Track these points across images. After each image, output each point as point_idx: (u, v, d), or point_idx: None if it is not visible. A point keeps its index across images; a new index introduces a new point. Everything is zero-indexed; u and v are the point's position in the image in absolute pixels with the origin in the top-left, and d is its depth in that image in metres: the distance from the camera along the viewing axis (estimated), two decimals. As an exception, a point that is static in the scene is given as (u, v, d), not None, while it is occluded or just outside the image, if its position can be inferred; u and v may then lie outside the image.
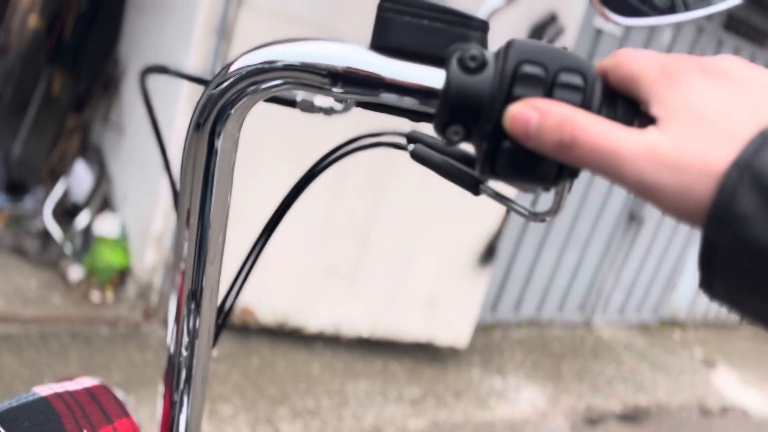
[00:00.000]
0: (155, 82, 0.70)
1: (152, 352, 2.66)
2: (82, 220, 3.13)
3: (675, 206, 0.31)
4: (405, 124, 0.66)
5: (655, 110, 0.34)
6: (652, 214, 4.42)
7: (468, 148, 0.41)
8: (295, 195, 0.64)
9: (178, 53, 2.63)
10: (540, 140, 0.34)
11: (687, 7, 0.61)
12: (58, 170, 3.50)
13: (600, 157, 0.33)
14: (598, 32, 3.50)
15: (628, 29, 3.55)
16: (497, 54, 0.37)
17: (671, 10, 0.61)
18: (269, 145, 2.52)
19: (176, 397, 0.55)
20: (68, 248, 3.09)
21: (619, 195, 4.16)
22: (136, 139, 3.11)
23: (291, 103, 0.67)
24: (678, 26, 4.01)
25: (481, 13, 0.58)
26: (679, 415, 3.62)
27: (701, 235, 0.30)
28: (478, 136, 0.37)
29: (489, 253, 3.16)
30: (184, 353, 0.54)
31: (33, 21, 3.48)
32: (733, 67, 0.34)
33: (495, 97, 0.36)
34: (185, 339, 0.53)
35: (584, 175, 3.84)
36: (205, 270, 0.50)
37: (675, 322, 5.16)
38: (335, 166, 0.65)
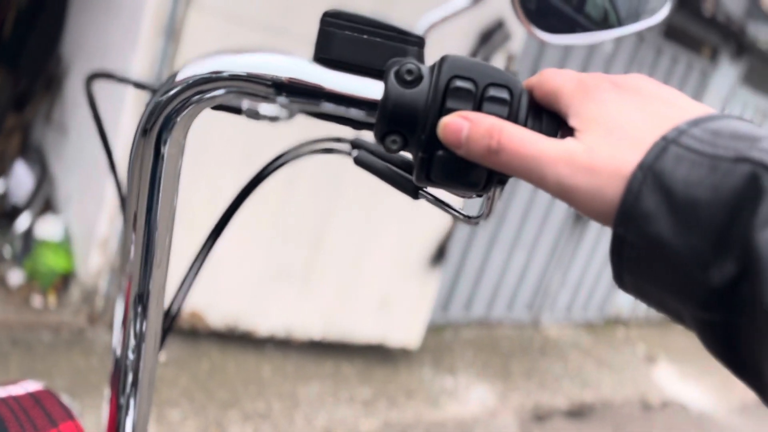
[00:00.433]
0: (101, 82, 0.69)
1: (97, 358, 2.60)
2: (22, 222, 3.02)
3: (590, 206, 0.34)
4: (350, 131, 0.68)
5: (572, 122, 0.37)
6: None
7: (409, 155, 0.43)
8: (242, 199, 0.65)
9: (124, 53, 2.58)
10: (470, 148, 0.37)
11: (614, 25, 0.63)
12: (-3, 171, 3.37)
13: (523, 162, 0.36)
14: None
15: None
16: (432, 68, 0.39)
17: (604, 26, 0.63)
18: (215, 147, 2.49)
19: (122, 401, 0.56)
20: (8, 252, 2.99)
21: (565, 197, 4.27)
22: (79, 139, 3.03)
23: (237, 110, 0.68)
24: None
25: (418, 29, 0.60)
26: (622, 410, 3.74)
27: (611, 232, 0.33)
28: (414, 145, 0.40)
29: (440, 254, 3.20)
30: (131, 357, 0.54)
31: (-30, 16, 3.35)
32: (641, 84, 0.37)
33: (429, 109, 0.39)
34: (132, 342, 0.54)
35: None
36: (152, 273, 0.51)
37: (619, 320, 5.32)
38: (285, 168, 0.66)
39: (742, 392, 4.54)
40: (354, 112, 0.41)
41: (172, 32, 2.41)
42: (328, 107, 0.41)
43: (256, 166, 0.63)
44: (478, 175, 0.39)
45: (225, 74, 0.41)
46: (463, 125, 0.37)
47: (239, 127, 2.47)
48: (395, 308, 3.19)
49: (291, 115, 0.67)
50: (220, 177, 2.41)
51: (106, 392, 0.57)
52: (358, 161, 0.57)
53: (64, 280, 2.89)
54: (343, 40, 0.40)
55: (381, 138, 0.40)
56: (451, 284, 3.94)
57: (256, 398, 2.69)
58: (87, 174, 2.88)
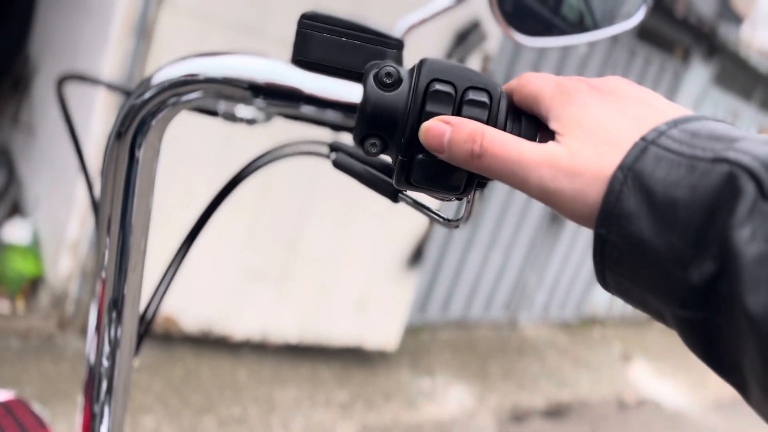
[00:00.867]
0: (71, 84, 0.67)
1: (68, 365, 2.54)
2: (-11, 226, 2.95)
3: (573, 209, 0.35)
4: (328, 134, 0.66)
5: (553, 125, 0.37)
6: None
7: (388, 158, 0.43)
8: (218, 202, 0.64)
9: (94, 53, 2.53)
10: (452, 152, 0.37)
11: (590, 28, 0.63)
12: (-37, 173, 3.29)
13: (506, 166, 0.36)
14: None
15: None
16: (411, 71, 0.39)
17: (577, 30, 0.63)
18: (189, 149, 2.45)
19: (96, 409, 0.55)
20: (-26, 256, 2.91)
21: (542, 197, 4.30)
22: (48, 141, 2.96)
23: (213, 113, 0.67)
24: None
25: (396, 32, 0.60)
26: (598, 410, 3.77)
27: (593, 232, 0.34)
28: (394, 148, 0.40)
29: (417, 255, 3.19)
30: (105, 363, 0.53)
31: (-67, 14, 3.26)
32: (618, 86, 0.38)
33: (409, 112, 0.39)
34: (106, 348, 0.53)
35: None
36: (126, 278, 0.50)
37: (595, 320, 5.37)
38: (258, 172, 0.65)
39: (717, 390, 4.61)
40: (332, 115, 0.41)
41: (143, 32, 2.37)
42: (306, 110, 0.41)
43: (231, 169, 0.62)
44: (459, 179, 0.39)
45: (201, 77, 0.41)
46: (445, 130, 0.37)
47: (214, 130, 2.44)
48: (372, 310, 3.18)
49: (268, 118, 0.66)
50: (194, 179, 2.38)
51: (80, 400, 0.56)
52: (337, 164, 0.57)
53: (33, 284, 2.82)
54: (321, 43, 0.40)
55: (360, 141, 0.40)
56: (428, 285, 3.94)
57: (231, 403, 2.65)
58: (56, 176, 2.81)
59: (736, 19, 5.17)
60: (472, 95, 0.38)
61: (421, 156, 0.39)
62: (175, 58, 0.42)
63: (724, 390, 4.67)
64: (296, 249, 2.90)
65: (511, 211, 4.18)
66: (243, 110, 0.66)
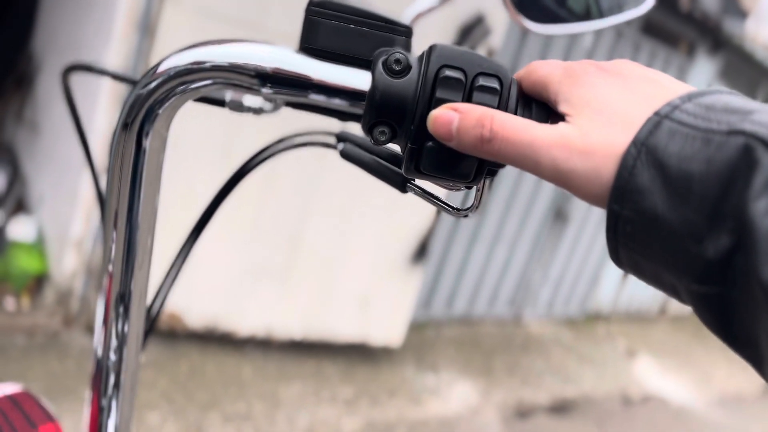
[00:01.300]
0: (74, 79, 0.67)
1: (73, 361, 2.55)
2: (-6, 223, 2.95)
3: (586, 189, 0.34)
4: (333, 124, 0.66)
5: (562, 108, 0.37)
6: (577, 211, 4.57)
7: (396, 147, 0.43)
8: (223, 195, 0.64)
9: (98, 49, 2.53)
10: (461, 139, 0.37)
11: (600, 15, 0.63)
12: (-33, 171, 3.29)
13: (517, 149, 0.36)
14: (525, 34, 3.59)
15: (552, 32, 3.65)
16: (420, 58, 0.39)
17: (587, 17, 0.63)
18: (191, 143, 2.45)
19: (104, 403, 0.55)
20: (-21, 254, 2.92)
21: (546, 193, 4.29)
22: (52, 138, 2.96)
23: (220, 102, 0.67)
24: (598, 31, 4.16)
25: (405, 18, 0.59)
26: (603, 406, 3.76)
27: (607, 208, 0.34)
28: (403, 136, 0.39)
29: (421, 251, 3.19)
30: (113, 358, 0.53)
31: (-63, 12, 3.26)
32: (626, 67, 0.38)
33: (419, 99, 0.38)
34: (113, 343, 0.53)
35: (512, 174, 3.89)
36: (133, 272, 0.50)
37: (599, 316, 5.36)
38: (268, 162, 0.65)
39: (722, 386, 4.60)
40: (340, 103, 0.41)
41: (146, 27, 2.37)
42: (314, 98, 0.41)
43: (234, 161, 0.62)
44: (469, 166, 0.39)
45: (208, 65, 0.40)
46: (453, 117, 0.37)
47: (217, 122, 2.44)
48: (377, 306, 3.17)
49: (276, 107, 0.66)
50: (197, 173, 2.38)
51: (87, 394, 0.56)
52: (345, 154, 0.56)
53: (38, 281, 2.83)
54: (329, 30, 0.39)
55: (369, 129, 0.39)
56: (432, 281, 3.94)
57: (236, 399, 2.66)
58: (60, 173, 2.82)
59: (741, 13, 5.15)
60: (482, 81, 0.38)
61: (431, 143, 0.38)
62: (181, 47, 0.41)
63: (729, 386, 4.66)
64: (300, 245, 2.90)
65: (516, 206, 4.17)
66: (250, 99, 0.65)
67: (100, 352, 0.53)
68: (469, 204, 0.46)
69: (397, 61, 0.38)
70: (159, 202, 0.49)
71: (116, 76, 0.74)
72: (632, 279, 5.48)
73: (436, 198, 0.47)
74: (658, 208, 0.31)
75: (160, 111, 0.43)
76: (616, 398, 3.91)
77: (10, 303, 2.75)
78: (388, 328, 3.26)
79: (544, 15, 0.62)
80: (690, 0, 4.29)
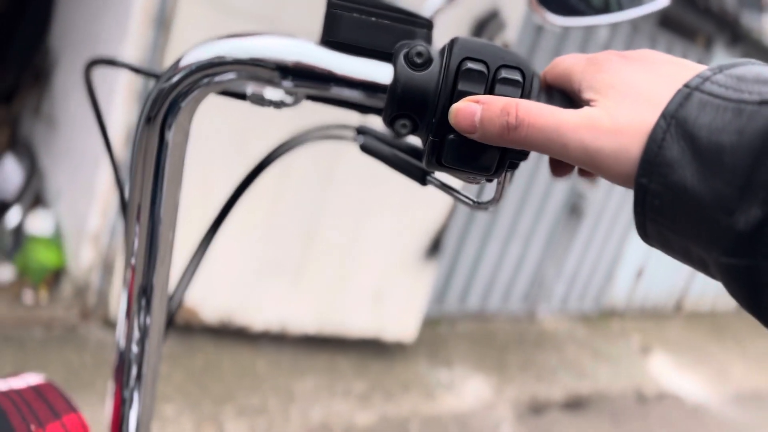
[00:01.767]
0: (96, 71, 0.67)
1: (90, 354, 2.57)
2: (12, 218, 2.98)
3: (615, 168, 0.34)
4: (349, 117, 0.65)
5: (587, 95, 0.37)
6: (591, 206, 4.54)
7: (415, 140, 0.43)
8: (243, 188, 0.64)
9: (114, 44, 2.54)
10: (485, 129, 0.37)
11: (620, 8, 0.63)
12: (-14, 166, 3.33)
13: (544, 134, 0.36)
14: (540, 28, 3.57)
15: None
16: (442, 51, 0.39)
17: (607, 10, 0.62)
18: (205, 137, 2.46)
19: (126, 394, 0.55)
20: (-2, 247, 2.95)
21: (561, 189, 4.26)
22: (69, 132, 2.99)
23: (241, 96, 0.67)
24: (614, 25, 4.13)
25: (425, 11, 0.60)
26: (618, 402, 3.74)
27: (635, 183, 0.34)
28: (424, 129, 0.39)
29: (435, 247, 3.18)
30: (135, 350, 0.54)
31: (-44, 8, 3.29)
32: (649, 53, 0.38)
33: (440, 91, 0.38)
34: (136, 335, 0.53)
35: (527, 170, 3.88)
36: (155, 266, 0.50)
37: (614, 312, 5.33)
38: (286, 156, 0.65)
39: (737, 383, 4.56)
40: (362, 96, 0.41)
41: (162, 22, 2.38)
42: (335, 91, 0.41)
43: (248, 155, 0.62)
44: (491, 158, 0.39)
45: (229, 59, 0.41)
46: (475, 109, 0.37)
47: (231, 115, 2.44)
48: (390, 301, 3.18)
49: (297, 101, 0.66)
50: (211, 167, 2.38)
51: (110, 385, 0.56)
52: (365, 148, 0.56)
53: (56, 275, 2.86)
54: (350, 23, 0.39)
55: (390, 122, 0.39)
56: (446, 277, 3.93)
57: (251, 393, 2.67)
58: (77, 167, 2.84)
59: (759, 7, 5.08)
60: (504, 73, 0.38)
61: (452, 136, 0.38)
62: (202, 40, 0.41)
63: (746, 383, 4.62)
64: (314, 240, 2.90)
65: (530, 202, 4.15)
66: (271, 92, 0.66)
67: (123, 344, 0.54)
68: (486, 197, 0.46)
69: (419, 54, 0.38)
70: (181, 195, 0.49)
71: (138, 70, 0.75)
72: (647, 275, 5.44)
73: (456, 191, 0.48)
74: (688, 181, 0.31)
75: (183, 104, 0.43)
76: (630, 395, 3.88)
77: (28, 296, 2.78)
78: (401, 323, 3.26)
79: (563, 7, 0.61)
80: (708, -7, 4.24)
